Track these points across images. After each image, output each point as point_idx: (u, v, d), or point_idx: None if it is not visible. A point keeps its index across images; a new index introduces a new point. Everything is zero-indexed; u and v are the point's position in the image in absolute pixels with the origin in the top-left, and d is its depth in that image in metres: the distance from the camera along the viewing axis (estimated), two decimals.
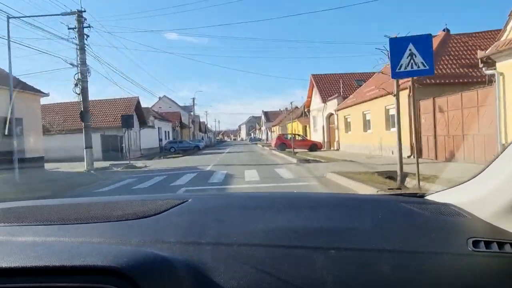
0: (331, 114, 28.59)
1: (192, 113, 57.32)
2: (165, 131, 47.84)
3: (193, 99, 57.27)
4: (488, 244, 0.87)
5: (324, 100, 29.27)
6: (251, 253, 0.85)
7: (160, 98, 62.82)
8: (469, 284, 0.80)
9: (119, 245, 0.88)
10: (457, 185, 1.16)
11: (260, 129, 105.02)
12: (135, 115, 34.23)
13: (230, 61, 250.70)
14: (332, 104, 27.35)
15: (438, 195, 1.20)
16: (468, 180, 1.09)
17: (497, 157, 0.99)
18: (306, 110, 36.52)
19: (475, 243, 0.87)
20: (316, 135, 30.80)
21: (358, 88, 28.38)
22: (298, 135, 30.13)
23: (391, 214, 1.09)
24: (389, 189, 5.67)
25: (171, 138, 48.79)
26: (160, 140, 44.71)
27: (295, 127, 44.38)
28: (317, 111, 31.88)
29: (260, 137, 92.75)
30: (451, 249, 0.87)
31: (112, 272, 0.71)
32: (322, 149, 27.78)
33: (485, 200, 0.98)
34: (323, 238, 0.91)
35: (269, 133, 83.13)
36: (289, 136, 30.28)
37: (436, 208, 1.09)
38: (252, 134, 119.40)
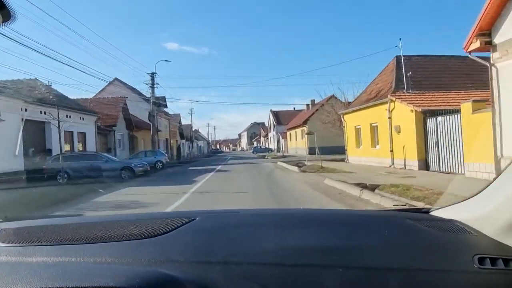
0: None
1: (151, 100, 30.57)
2: (77, 133, 21.71)
3: (152, 75, 29.93)
4: (493, 260, 0.88)
5: None
6: (261, 272, 0.86)
7: (110, 82, 37.21)
8: None
9: (130, 265, 0.89)
10: (462, 201, 1.15)
11: (266, 136, 78.77)
12: None
13: (230, 70, 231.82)
14: None
15: (442, 211, 1.20)
16: (473, 196, 1.09)
17: (501, 174, 1.00)
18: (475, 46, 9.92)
19: (481, 260, 0.88)
20: None
21: None
22: None
23: (397, 231, 1.09)
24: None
25: (95, 147, 22.55)
26: (47, 152, 18.42)
27: (379, 118, 18.00)
28: None
29: (268, 147, 66.35)
30: (457, 266, 0.88)
31: None
32: None
33: (490, 217, 0.97)
34: (332, 257, 0.91)
35: (282, 140, 56.95)
36: None
37: (442, 224, 1.09)
38: (256, 143, 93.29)
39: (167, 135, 46.44)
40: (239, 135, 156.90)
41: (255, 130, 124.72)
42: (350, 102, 26.09)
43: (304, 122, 38.36)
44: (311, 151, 36.98)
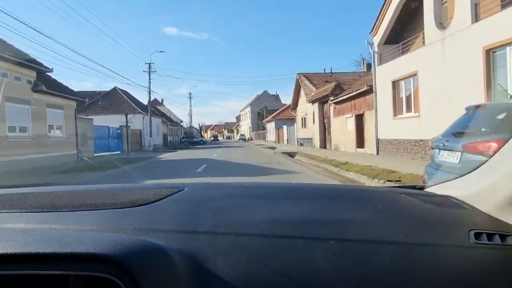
0: None
1: None
2: None
3: None
4: (490, 236, 0.87)
5: None
6: (249, 243, 0.84)
7: None
8: (471, 276, 0.79)
9: (113, 232, 0.86)
10: (457, 178, 1.15)
11: (334, 96, 26.38)
12: None
13: (230, 57, 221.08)
14: None
15: (437, 188, 1.21)
16: (468, 173, 1.08)
17: (496, 153, 0.98)
18: None
19: (477, 235, 0.87)
20: None
21: None
22: None
23: (391, 205, 1.08)
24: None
25: None
26: None
27: None
28: None
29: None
30: (453, 241, 0.87)
31: (105, 260, 0.70)
32: None
33: (486, 193, 0.98)
34: (323, 229, 0.90)
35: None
36: None
37: (437, 200, 1.08)
38: (273, 126, 40.55)
39: None
40: (237, 117, 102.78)
41: (268, 102, 71.51)
42: None
43: None
44: None
